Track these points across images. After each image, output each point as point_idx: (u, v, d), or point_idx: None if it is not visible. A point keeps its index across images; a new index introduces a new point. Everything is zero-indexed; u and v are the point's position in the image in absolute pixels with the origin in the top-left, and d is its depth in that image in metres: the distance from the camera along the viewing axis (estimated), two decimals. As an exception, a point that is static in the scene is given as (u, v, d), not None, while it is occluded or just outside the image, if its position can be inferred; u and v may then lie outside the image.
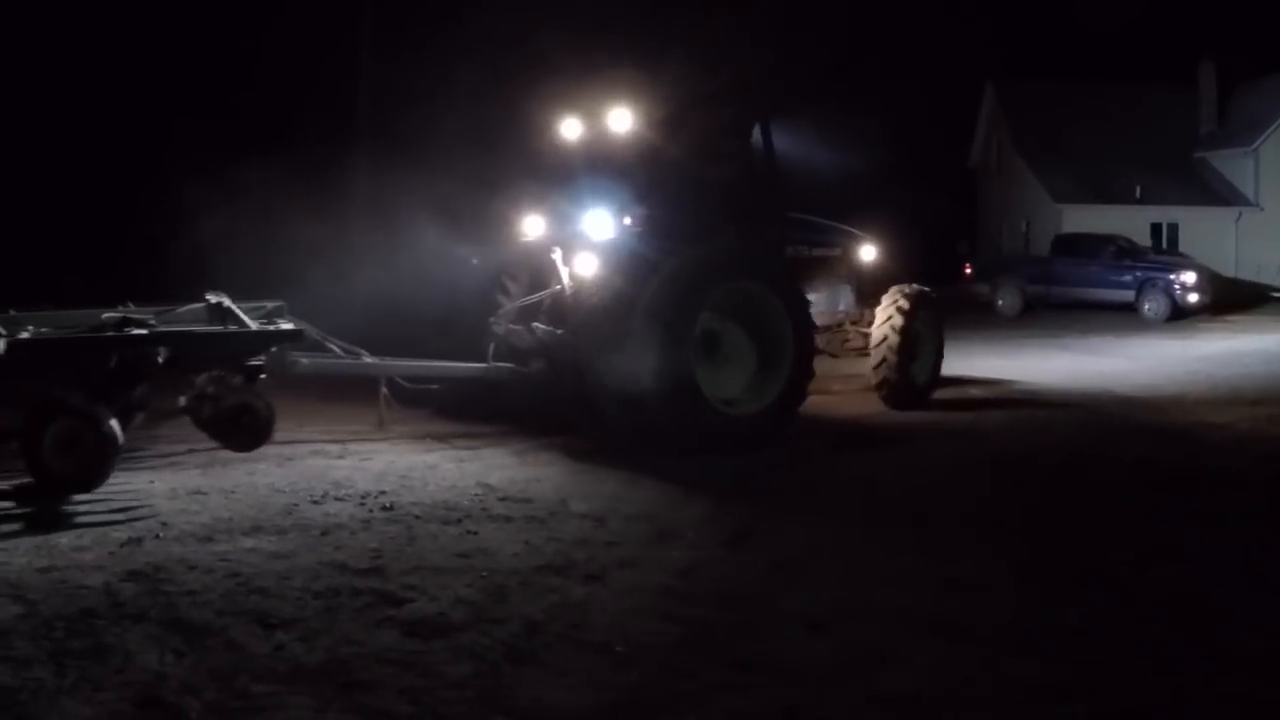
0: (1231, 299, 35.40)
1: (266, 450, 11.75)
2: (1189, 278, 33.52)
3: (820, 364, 14.17)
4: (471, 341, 14.21)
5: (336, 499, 10.11)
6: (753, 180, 14.83)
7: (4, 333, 10.46)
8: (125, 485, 10.48)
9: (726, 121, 14.92)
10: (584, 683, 6.00)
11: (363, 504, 9.92)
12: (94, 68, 29.65)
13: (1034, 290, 35.48)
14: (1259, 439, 13.57)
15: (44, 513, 9.52)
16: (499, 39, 29.35)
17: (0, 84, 28.41)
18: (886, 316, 15.54)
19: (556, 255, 14.02)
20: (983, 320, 31.41)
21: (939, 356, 16.44)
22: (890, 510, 10.01)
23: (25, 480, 10.15)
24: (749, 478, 11.20)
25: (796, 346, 13.53)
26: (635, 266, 12.88)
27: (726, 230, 13.67)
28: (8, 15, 29.12)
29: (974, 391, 17.78)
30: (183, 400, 11.40)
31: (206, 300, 11.90)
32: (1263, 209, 44.47)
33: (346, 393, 14.30)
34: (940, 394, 16.47)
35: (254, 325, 11.79)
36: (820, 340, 14.51)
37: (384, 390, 13.52)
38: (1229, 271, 40.58)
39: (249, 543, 8.63)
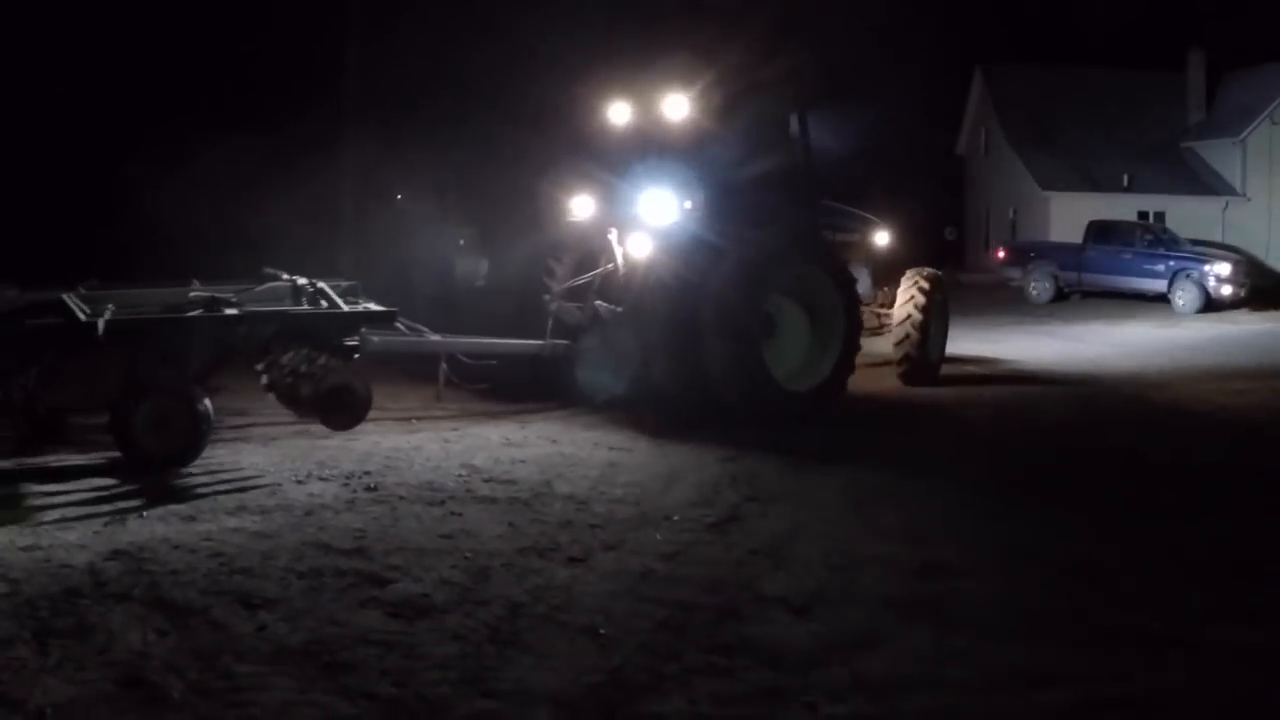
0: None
1: (251, 430, 11.74)
2: (1223, 269, 32.30)
3: None
4: (464, 314, 14.45)
5: (320, 479, 10.10)
6: (795, 167, 15.29)
7: (87, 311, 10.61)
8: (109, 464, 10.45)
9: (775, 109, 15.40)
10: (567, 665, 6.01)
11: (347, 484, 9.91)
12: (83, 56, 29.50)
13: (1067, 277, 34.69)
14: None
15: (28, 492, 9.50)
16: (555, 24, 29.50)
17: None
18: (909, 297, 16.34)
19: (613, 236, 14.60)
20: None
21: (945, 336, 17.34)
22: (875, 495, 10.00)
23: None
24: (736, 460, 11.18)
25: (846, 325, 14.31)
26: (699, 252, 13.54)
27: (784, 215, 14.52)
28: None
29: (970, 367, 18.63)
30: (265, 379, 11.49)
31: (276, 277, 12.39)
32: (1249, 199, 44.50)
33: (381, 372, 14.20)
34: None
35: (345, 306, 12.09)
36: None
37: (444, 366, 13.76)
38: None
39: (232, 522, 8.62)
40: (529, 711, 5.47)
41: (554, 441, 11.95)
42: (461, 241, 31.17)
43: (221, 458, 10.84)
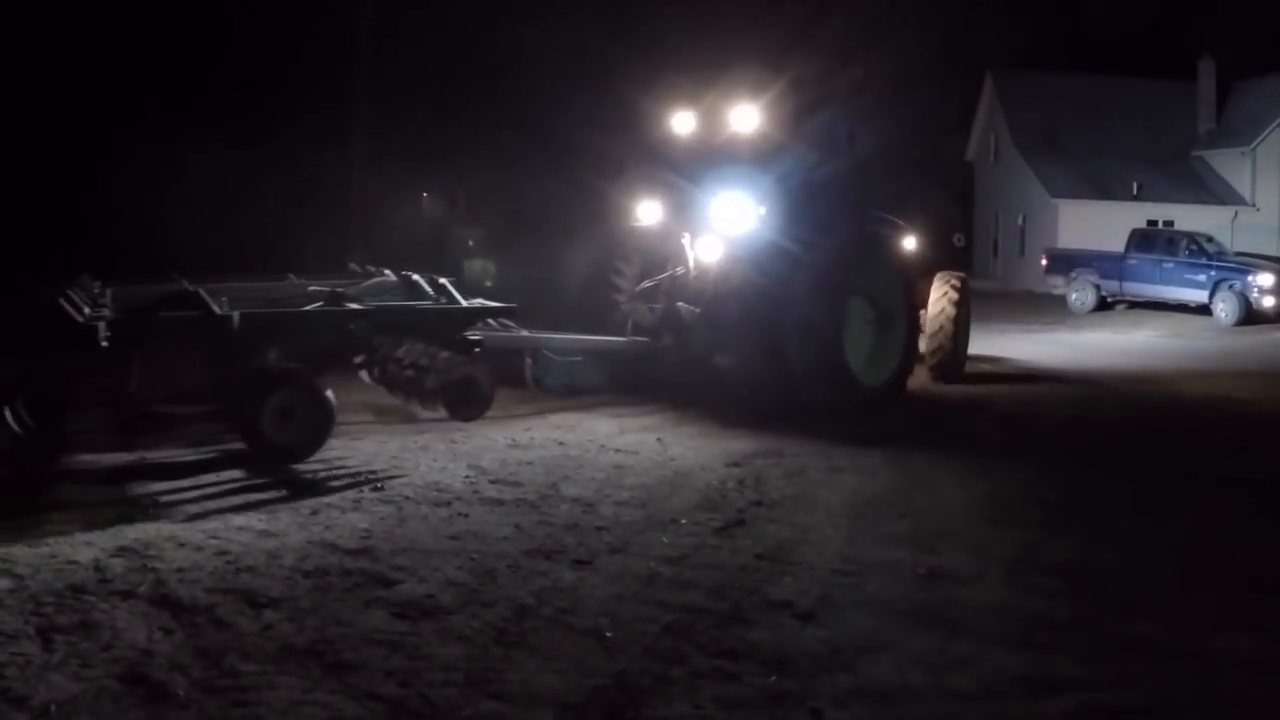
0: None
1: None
2: (1266, 280, 31.49)
3: None
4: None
5: (327, 478, 10.10)
6: (847, 173, 16.59)
7: (218, 309, 10.84)
8: (115, 461, 10.46)
9: (836, 118, 16.79)
10: (573, 667, 6.00)
11: (353, 484, 9.91)
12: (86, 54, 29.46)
13: (1108, 286, 34.40)
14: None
15: (36, 489, 9.51)
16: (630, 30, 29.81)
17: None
18: (942, 294, 17.44)
19: (686, 240, 15.60)
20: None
21: (968, 336, 18.59)
22: (882, 501, 9.99)
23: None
24: (742, 464, 11.17)
25: (908, 322, 15.52)
26: (779, 257, 14.38)
27: (849, 220, 15.68)
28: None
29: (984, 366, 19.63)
30: (374, 371, 11.98)
31: (381, 273, 12.87)
32: (1258, 209, 44.44)
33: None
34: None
35: (465, 301, 12.46)
36: None
37: (529, 361, 14.38)
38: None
39: (238, 520, 8.63)
40: (534, 713, 5.46)
41: (560, 444, 11.95)
42: (470, 243, 31.19)
43: (227, 457, 10.84)
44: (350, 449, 11.31)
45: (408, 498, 9.49)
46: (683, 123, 16.10)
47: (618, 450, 11.70)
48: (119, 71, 28.17)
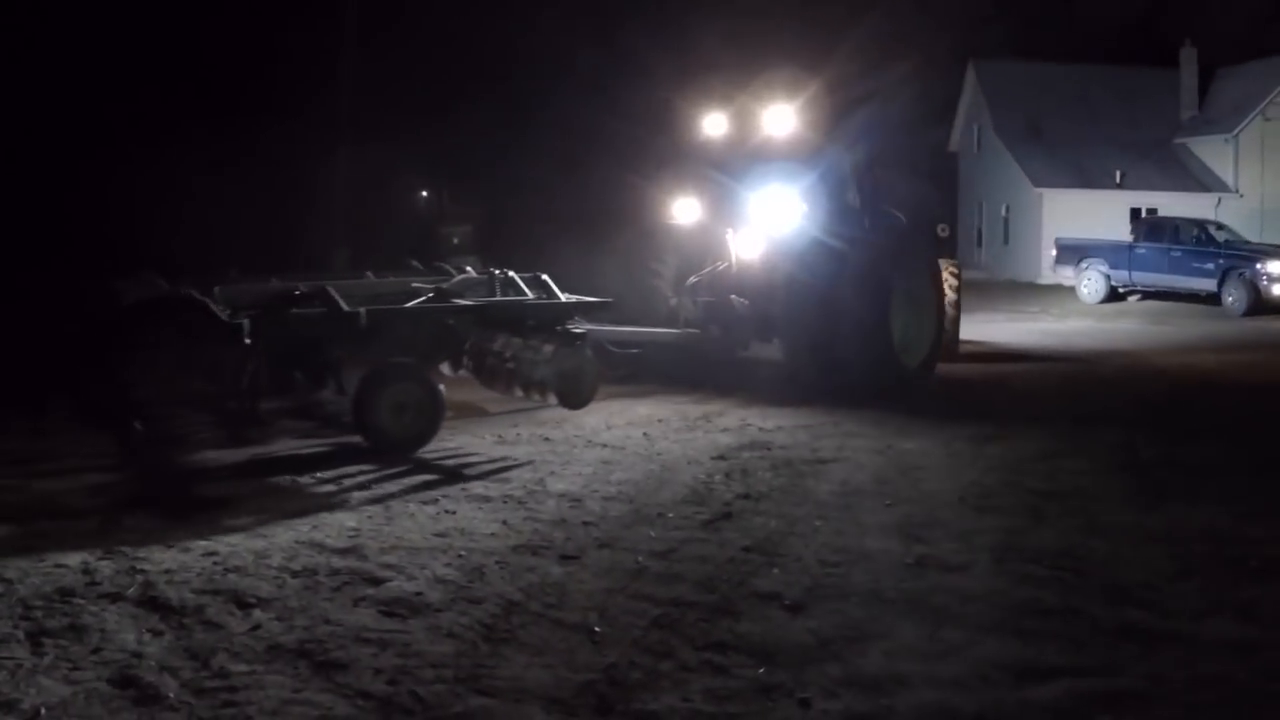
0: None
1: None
2: (1276, 267, 31.02)
3: None
4: None
5: (313, 476, 10.10)
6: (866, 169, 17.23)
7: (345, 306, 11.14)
8: (100, 461, 10.45)
9: (865, 117, 17.77)
10: (561, 662, 6.01)
11: (340, 482, 9.91)
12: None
13: (1118, 276, 34.19)
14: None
15: (21, 491, 9.49)
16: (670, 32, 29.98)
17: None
18: (943, 281, 18.27)
19: (729, 236, 16.60)
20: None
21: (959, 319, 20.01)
22: (868, 491, 10.00)
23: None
24: (728, 457, 11.19)
25: (936, 308, 16.95)
26: (824, 255, 15.37)
27: (887, 216, 16.75)
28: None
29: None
30: (465, 363, 12.35)
31: (461, 270, 13.36)
32: (1242, 195, 44.53)
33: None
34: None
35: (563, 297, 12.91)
36: None
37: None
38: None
39: (226, 520, 8.62)
40: (524, 709, 5.47)
41: (546, 439, 11.96)
42: (456, 240, 31.21)
43: (213, 455, 10.84)
44: (336, 446, 11.31)
45: (395, 495, 9.49)
46: (715, 124, 17.11)
47: (604, 445, 11.71)
48: (95, 67, 28.00)
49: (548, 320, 12.34)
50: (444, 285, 12.79)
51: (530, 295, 12.96)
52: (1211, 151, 46.32)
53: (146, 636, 6.26)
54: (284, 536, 8.21)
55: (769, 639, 6.39)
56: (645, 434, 12.32)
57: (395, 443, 10.95)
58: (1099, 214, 39.44)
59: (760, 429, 12.69)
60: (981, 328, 24.62)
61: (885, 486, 10.17)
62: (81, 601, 6.79)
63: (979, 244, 49.86)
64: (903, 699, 5.65)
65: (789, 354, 15.91)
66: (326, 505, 9.14)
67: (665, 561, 7.81)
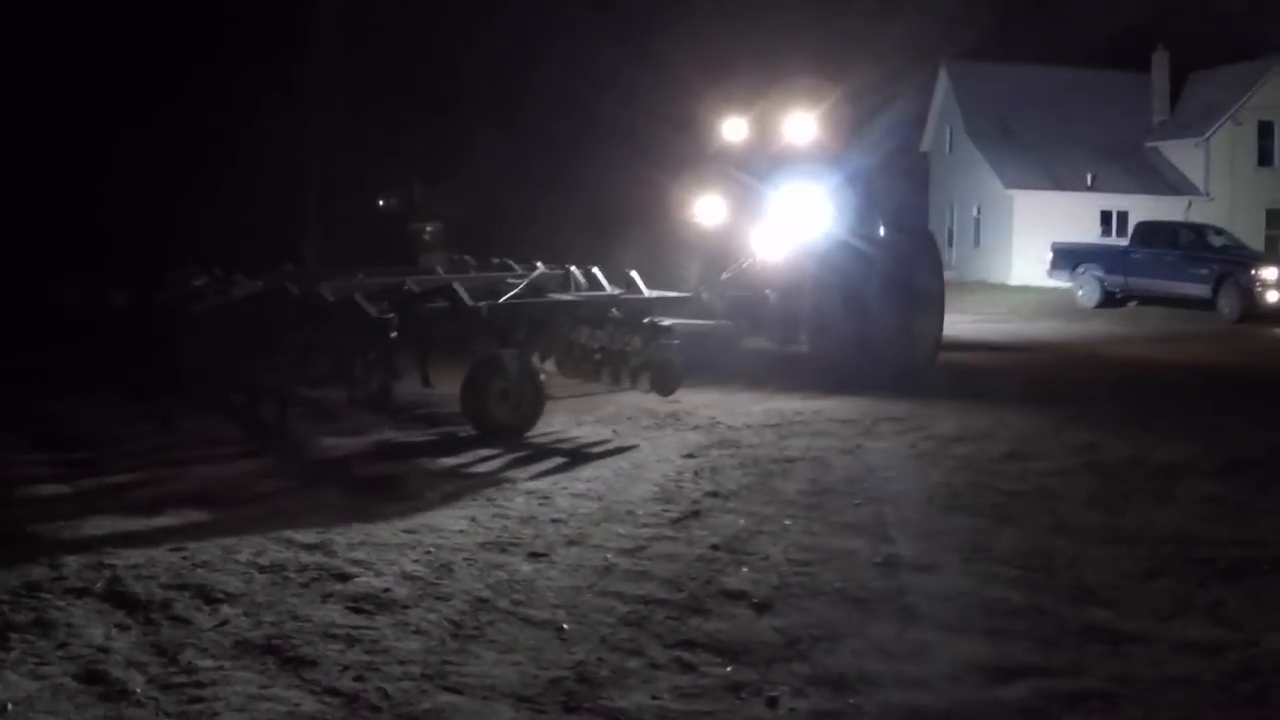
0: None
1: (213, 427, 11.71)
2: (1269, 273, 31.05)
3: None
4: None
5: (283, 473, 10.08)
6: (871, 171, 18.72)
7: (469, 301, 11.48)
8: (70, 455, 10.40)
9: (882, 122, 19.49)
10: (530, 659, 6.00)
11: (310, 478, 9.88)
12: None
13: (1112, 281, 34.14)
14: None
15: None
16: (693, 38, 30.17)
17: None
18: None
19: (753, 237, 17.55)
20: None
21: None
22: (837, 490, 10.02)
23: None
24: (697, 455, 11.19)
25: (939, 299, 18.44)
26: (849, 257, 16.73)
27: (905, 218, 18.32)
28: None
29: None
30: (551, 360, 12.68)
31: (534, 266, 13.55)
32: (1212, 199, 44.87)
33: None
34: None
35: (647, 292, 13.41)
36: None
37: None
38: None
39: (194, 516, 8.59)
40: (491, 706, 5.46)
41: (516, 437, 11.94)
42: (426, 236, 31.08)
43: (186, 448, 10.80)
44: (306, 443, 11.29)
45: (363, 491, 9.48)
46: (735, 129, 18.32)
47: (573, 442, 11.72)
48: (55, 58, 27.78)
49: (635, 313, 12.78)
50: (535, 280, 13.09)
51: (609, 290, 13.33)
52: (1182, 155, 46.64)
53: (114, 632, 6.23)
54: (252, 532, 8.18)
55: (737, 637, 6.39)
56: (614, 431, 12.34)
57: (501, 430, 11.59)
58: (1070, 216, 39.67)
59: (729, 427, 12.71)
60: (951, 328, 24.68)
61: (854, 486, 10.20)
62: (48, 596, 6.74)
63: (950, 245, 50.04)
64: (870, 698, 5.66)
65: (816, 351, 17.04)
66: (295, 500, 9.12)
67: (634, 559, 7.81)
